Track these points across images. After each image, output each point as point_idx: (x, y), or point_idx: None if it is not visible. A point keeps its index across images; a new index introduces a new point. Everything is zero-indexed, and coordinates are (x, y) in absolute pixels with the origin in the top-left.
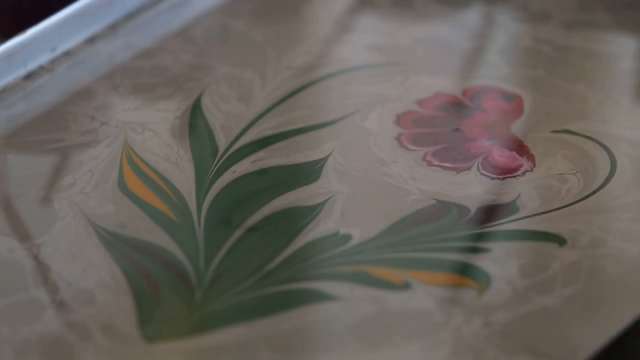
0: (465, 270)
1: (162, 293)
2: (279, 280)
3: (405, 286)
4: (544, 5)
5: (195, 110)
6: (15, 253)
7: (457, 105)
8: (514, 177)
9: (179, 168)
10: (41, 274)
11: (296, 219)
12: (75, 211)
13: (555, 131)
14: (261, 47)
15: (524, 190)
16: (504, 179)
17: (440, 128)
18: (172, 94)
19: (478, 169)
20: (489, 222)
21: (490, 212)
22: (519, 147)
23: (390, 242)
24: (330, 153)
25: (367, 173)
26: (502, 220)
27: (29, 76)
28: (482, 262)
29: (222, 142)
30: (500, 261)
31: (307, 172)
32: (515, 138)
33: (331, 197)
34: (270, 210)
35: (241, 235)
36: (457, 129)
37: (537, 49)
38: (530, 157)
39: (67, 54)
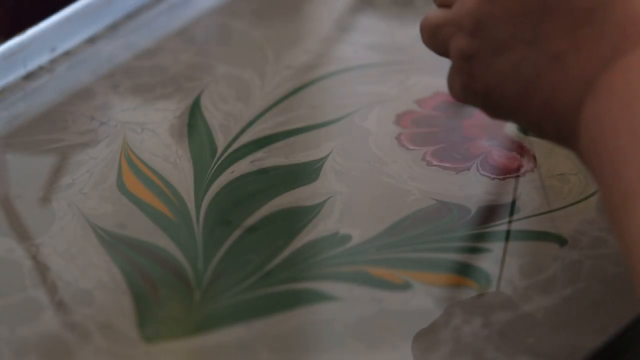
0: (465, 270)
1: (161, 293)
2: (278, 280)
3: (405, 286)
4: None
5: (194, 110)
6: (13, 253)
7: (456, 105)
8: (514, 177)
9: (177, 168)
10: (40, 274)
11: (295, 219)
12: (74, 211)
13: None
14: (261, 47)
15: (524, 191)
16: (504, 179)
17: (440, 128)
18: (172, 93)
19: (477, 169)
20: (490, 222)
21: (491, 212)
22: (519, 147)
23: (390, 242)
24: (330, 153)
25: (367, 173)
26: (503, 221)
27: (29, 76)
28: (482, 262)
29: (221, 142)
30: (500, 261)
31: (307, 172)
32: (514, 138)
33: (330, 197)
34: (269, 210)
35: (240, 236)
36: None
37: None
38: (531, 158)
39: (67, 54)
